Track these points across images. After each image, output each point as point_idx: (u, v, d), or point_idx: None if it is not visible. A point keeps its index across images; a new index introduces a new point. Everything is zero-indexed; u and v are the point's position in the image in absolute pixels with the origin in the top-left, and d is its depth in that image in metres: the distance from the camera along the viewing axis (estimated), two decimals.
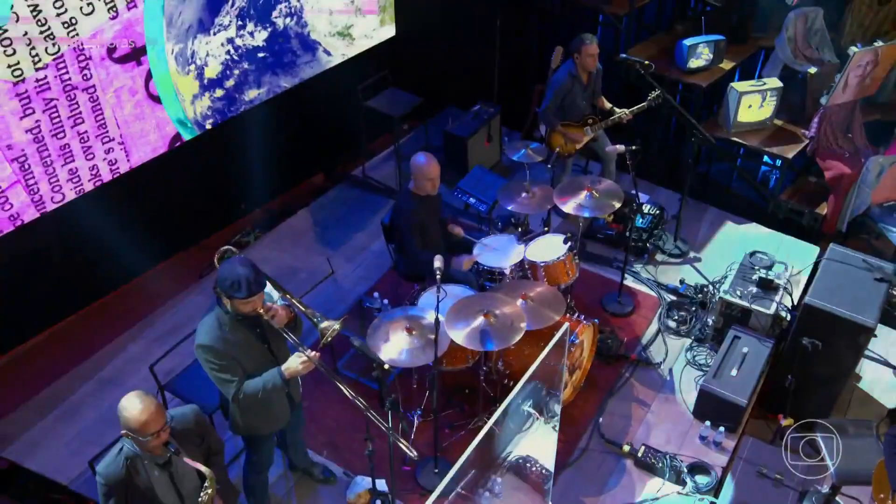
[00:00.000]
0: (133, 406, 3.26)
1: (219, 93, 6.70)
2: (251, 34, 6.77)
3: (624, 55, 5.72)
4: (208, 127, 6.69)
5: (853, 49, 5.97)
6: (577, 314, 5.27)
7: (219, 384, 3.80)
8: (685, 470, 4.93)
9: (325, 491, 4.91)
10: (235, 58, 6.72)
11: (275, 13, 6.89)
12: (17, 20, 4.91)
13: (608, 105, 6.39)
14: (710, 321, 5.75)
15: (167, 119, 6.26)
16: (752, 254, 5.80)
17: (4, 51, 4.94)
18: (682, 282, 6.22)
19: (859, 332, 4.99)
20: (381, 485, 4.79)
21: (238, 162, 6.80)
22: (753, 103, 6.65)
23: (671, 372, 5.65)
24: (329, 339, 3.82)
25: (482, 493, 4.89)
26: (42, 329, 5.83)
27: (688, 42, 6.81)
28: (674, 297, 6.14)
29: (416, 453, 3.74)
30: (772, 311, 5.41)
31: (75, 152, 5.74)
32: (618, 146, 5.71)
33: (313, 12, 7.15)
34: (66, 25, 5.22)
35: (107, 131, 5.92)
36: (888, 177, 6.30)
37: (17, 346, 5.70)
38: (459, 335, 4.50)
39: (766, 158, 7.32)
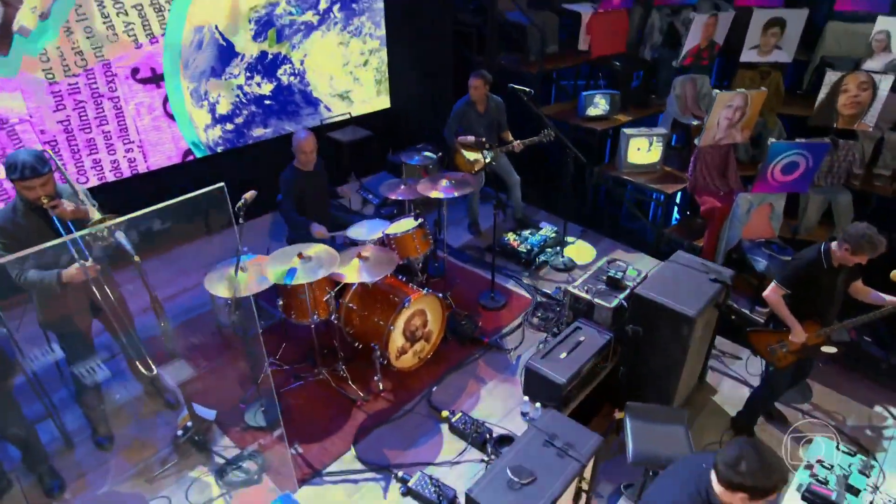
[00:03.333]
0: None
1: (229, 126, 6.06)
2: (258, 84, 6.10)
3: (511, 85, 4.64)
4: (219, 151, 5.97)
5: (716, 91, 4.60)
6: (424, 289, 4.01)
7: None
8: (489, 438, 3.45)
9: (165, 414, 3.74)
10: (244, 101, 6.07)
11: (279, 71, 6.23)
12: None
13: (510, 138, 5.26)
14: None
15: (181, 135, 5.62)
16: (611, 261, 4.37)
17: (40, 57, 4.62)
18: (557, 288, 4.81)
19: (681, 322, 3.57)
20: (208, 413, 3.60)
21: (243, 176, 6.02)
22: (641, 146, 5.38)
23: (519, 358, 4.20)
24: (104, 233, 2.80)
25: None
26: None
27: (586, 93, 5.62)
28: (543, 299, 4.70)
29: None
30: (612, 305, 3.94)
31: (99, 146, 5.23)
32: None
33: (315, 76, 6.42)
34: (94, 48, 4.87)
35: (128, 135, 5.41)
36: (757, 214, 4.83)
37: None
38: (273, 272, 3.37)
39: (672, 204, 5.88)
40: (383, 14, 6.79)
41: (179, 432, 3.48)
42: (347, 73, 6.76)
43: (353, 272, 3.69)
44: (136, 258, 2.75)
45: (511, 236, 5.41)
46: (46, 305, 3.10)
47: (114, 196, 5.03)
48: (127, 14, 5.01)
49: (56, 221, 2.87)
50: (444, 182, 4.32)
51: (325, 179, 4.48)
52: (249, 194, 3.17)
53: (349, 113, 6.67)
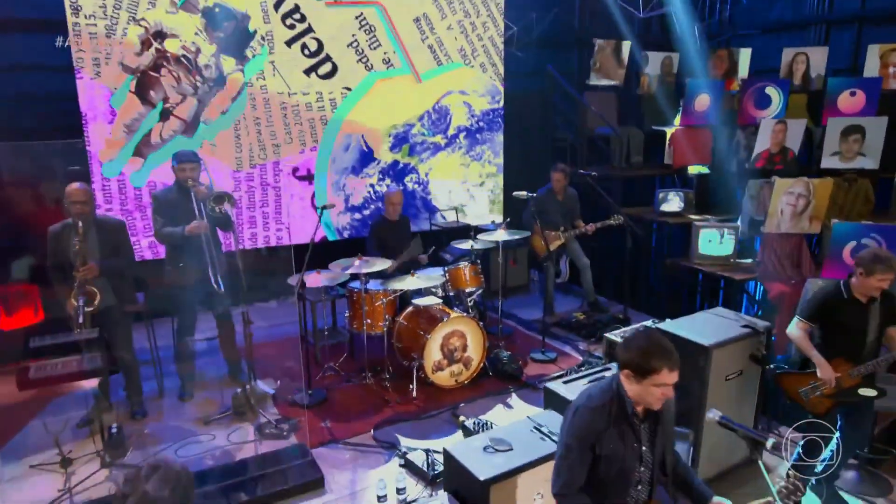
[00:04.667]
0: None
1: (357, 216, 7.24)
2: (388, 186, 7.35)
3: (581, 171, 5.31)
4: (345, 235, 7.16)
5: (775, 177, 4.81)
6: (465, 313, 4.52)
7: (153, 222, 4.17)
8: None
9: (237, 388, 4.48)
10: (374, 196, 7.28)
11: (407, 178, 7.46)
12: (248, 133, 6.19)
13: (582, 225, 5.79)
14: None
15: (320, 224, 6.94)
16: (655, 321, 4.49)
17: (237, 150, 6.16)
18: None
19: (698, 353, 3.56)
20: (264, 386, 4.32)
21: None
22: (712, 238, 5.51)
23: None
24: (219, 210, 3.91)
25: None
26: None
27: (660, 190, 6.03)
28: (592, 360, 4.84)
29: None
30: None
31: (257, 222, 6.63)
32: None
33: (436, 187, 7.58)
34: (273, 149, 6.39)
35: (280, 216, 6.74)
36: None
37: None
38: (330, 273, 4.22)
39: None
40: (503, 146, 8.04)
41: (238, 390, 4.16)
42: (465, 190, 7.87)
43: (403, 284, 4.36)
44: (233, 221, 3.76)
45: (579, 315, 5.69)
46: (172, 256, 4.18)
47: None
48: (301, 124, 6.73)
49: (193, 197, 4.06)
50: (501, 232, 4.97)
51: (408, 227, 5.37)
52: (332, 202, 4.13)
53: (456, 220, 7.66)
